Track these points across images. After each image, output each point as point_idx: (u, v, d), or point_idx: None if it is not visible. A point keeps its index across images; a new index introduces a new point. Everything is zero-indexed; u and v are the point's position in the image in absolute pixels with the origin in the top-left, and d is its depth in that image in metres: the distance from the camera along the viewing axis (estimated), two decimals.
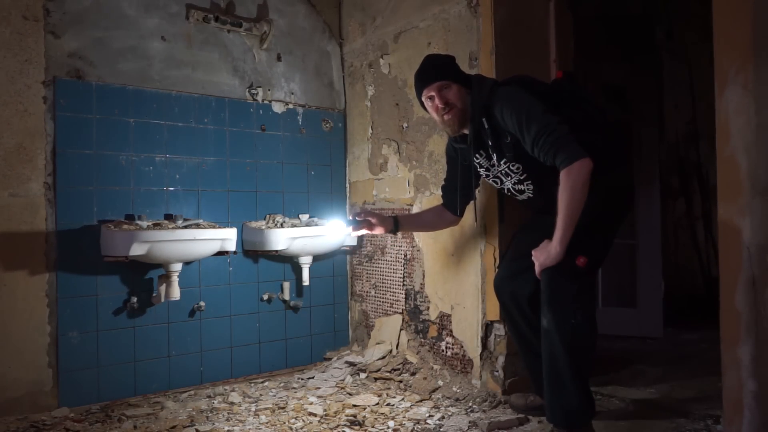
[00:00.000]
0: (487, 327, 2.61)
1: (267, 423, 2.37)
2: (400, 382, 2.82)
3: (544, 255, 1.97)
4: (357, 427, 2.29)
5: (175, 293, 2.64)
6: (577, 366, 1.97)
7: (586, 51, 3.41)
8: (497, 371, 2.57)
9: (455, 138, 2.27)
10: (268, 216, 3.08)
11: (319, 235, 3.02)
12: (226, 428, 2.32)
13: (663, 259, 3.70)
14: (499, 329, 2.58)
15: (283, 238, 2.89)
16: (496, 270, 2.46)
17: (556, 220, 1.92)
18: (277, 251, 2.91)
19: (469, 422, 2.32)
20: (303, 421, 2.38)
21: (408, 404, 2.54)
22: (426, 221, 2.56)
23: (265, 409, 2.53)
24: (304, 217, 3.16)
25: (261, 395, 2.75)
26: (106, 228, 2.54)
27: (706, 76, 3.59)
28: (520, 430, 2.25)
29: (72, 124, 2.58)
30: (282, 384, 2.93)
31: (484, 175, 2.26)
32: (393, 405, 2.54)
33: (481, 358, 2.61)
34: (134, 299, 2.68)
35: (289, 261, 3.17)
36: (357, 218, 2.42)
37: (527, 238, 2.24)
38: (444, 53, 2.48)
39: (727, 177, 1.80)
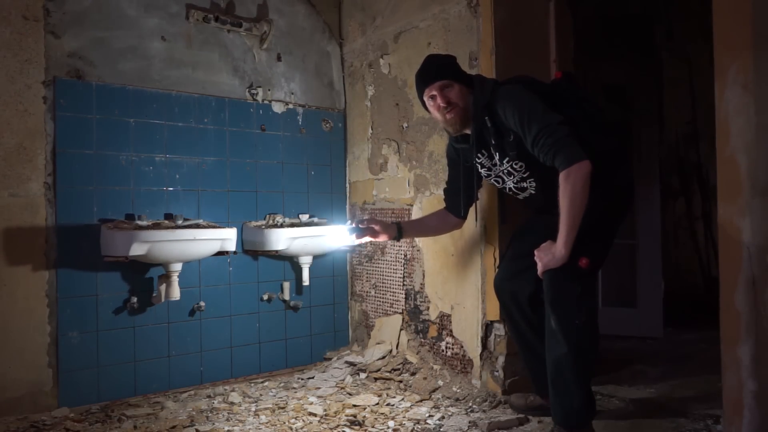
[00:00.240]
0: (487, 327, 2.61)
1: (267, 423, 2.37)
2: (400, 382, 2.82)
3: (548, 256, 1.96)
4: (357, 427, 2.29)
5: (175, 293, 2.64)
6: (579, 367, 1.97)
7: (586, 51, 3.41)
8: (497, 371, 2.57)
9: (456, 138, 2.26)
10: (268, 216, 3.08)
11: (319, 235, 3.02)
12: (226, 428, 2.32)
13: (663, 259, 3.70)
14: (499, 329, 2.58)
15: (283, 238, 2.89)
16: (496, 270, 2.46)
17: (559, 222, 1.92)
18: (277, 251, 2.91)
19: (469, 422, 2.32)
20: (303, 421, 2.38)
21: (408, 404, 2.54)
22: (429, 226, 2.55)
23: (265, 409, 2.53)
24: (304, 217, 3.16)
25: (261, 395, 2.75)
26: (106, 228, 2.54)
27: (706, 76, 3.59)
28: (520, 430, 2.25)
29: (72, 124, 2.58)
30: (282, 384, 2.93)
31: (485, 175, 2.26)
32: (393, 405, 2.54)
33: (481, 358, 2.61)
34: (134, 299, 2.68)
35: (289, 261, 3.17)
36: (360, 226, 2.40)
37: (527, 238, 2.24)
38: (445, 53, 2.48)
39: (727, 177, 1.80)
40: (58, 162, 2.54)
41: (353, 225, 2.40)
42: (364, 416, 2.40)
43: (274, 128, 3.18)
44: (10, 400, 2.42)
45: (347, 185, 3.45)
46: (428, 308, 2.89)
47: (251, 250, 3.01)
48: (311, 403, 2.57)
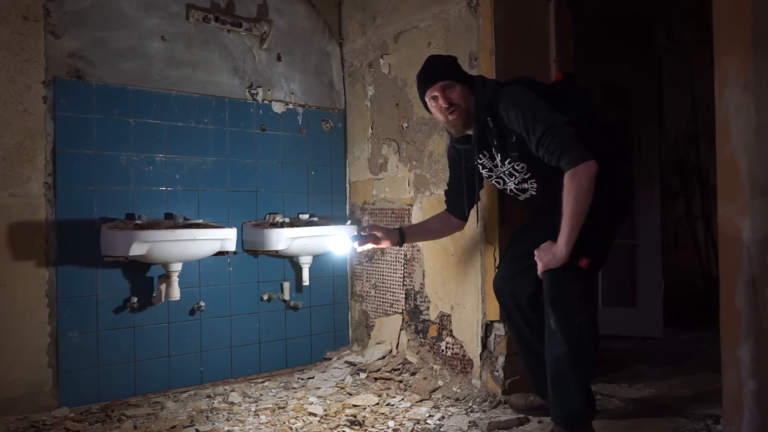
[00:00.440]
0: (487, 327, 2.61)
1: (267, 423, 2.37)
2: (400, 382, 2.82)
3: (548, 256, 1.96)
4: (357, 427, 2.29)
5: (175, 293, 2.64)
6: (579, 367, 1.97)
7: (586, 51, 3.41)
8: (497, 371, 2.57)
9: (457, 139, 2.26)
10: (268, 216, 3.08)
11: (319, 235, 3.02)
12: (226, 428, 2.32)
13: (663, 259, 3.70)
14: (499, 329, 2.58)
15: (283, 238, 2.89)
16: (496, 270, 2.46)
17: (561, 221, 1.92)
18: (277, 251, 2.91)
19: (469, 422, 2.32)
20: (303, 421, 2.38)
21: (408, 404, 2.54)
22: (431, 229, 2.53)
23: (265, 409, 2.53)
24: (304, 217, 3.16)
25: (261, 395, 2.75)
26: (106, 228, 2.54)
27: (706, 76, 3.59)
28: (520, 430, 2.25)
29: (72, 124, 2.58)
30: (282, 384, 2.93)
31: (486, 176, 2.26)
32: (393, 405, 2.54)
33: (481, 358, 2.61)
34: (134, 299, 2.68)
35: (289, 261, 3.17)
36: (362, 233, 2.40)
37: (527, 238, 2.24)
38: (446, 54, 2.48)
39: (727, 177, 1.80)
40: (58, 162, 2.54)
41: (355, 233, 2.40)
42: (364, 416, 2.41)
43: (274, 128, 3.18)
44: (10, 400, 2.42)
45: (347, 185, 3.45)
46: (428, 308, 2.89)
47: (251, 250, 3.01)
48: (311, 403, 2.57)
